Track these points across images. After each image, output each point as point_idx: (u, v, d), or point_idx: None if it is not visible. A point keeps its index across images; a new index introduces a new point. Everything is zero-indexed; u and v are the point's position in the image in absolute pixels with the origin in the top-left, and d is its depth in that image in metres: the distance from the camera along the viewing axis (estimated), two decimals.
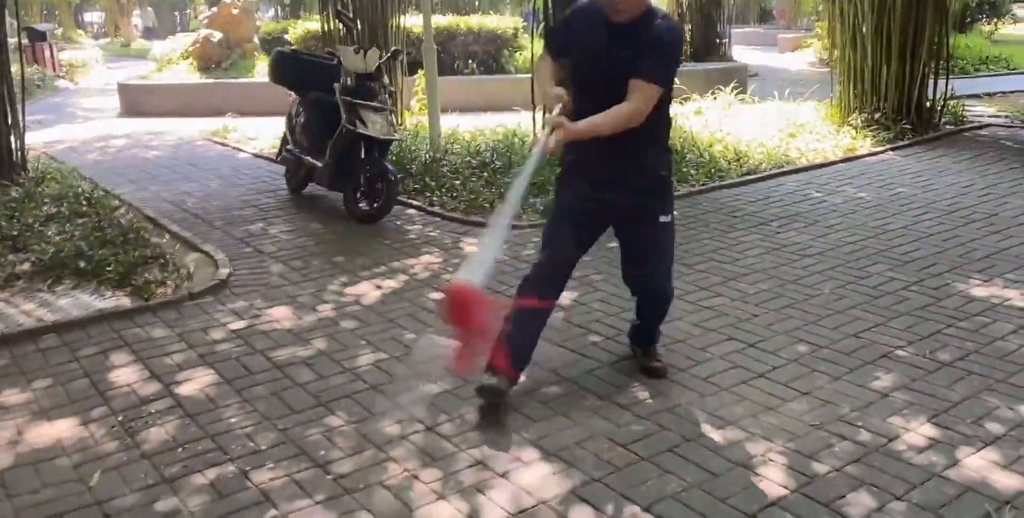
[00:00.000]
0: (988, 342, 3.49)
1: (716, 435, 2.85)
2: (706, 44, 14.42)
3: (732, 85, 9.85)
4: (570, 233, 3.15)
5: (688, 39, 14.20)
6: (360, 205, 5.55)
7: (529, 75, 7.47)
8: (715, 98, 9.43)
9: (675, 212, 3.21)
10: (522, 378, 3.17)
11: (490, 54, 12.70)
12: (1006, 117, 8.68)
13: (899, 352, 3.43)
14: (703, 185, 6.18)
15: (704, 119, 8.27)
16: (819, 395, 3.09)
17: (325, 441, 2.88)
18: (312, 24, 12.64)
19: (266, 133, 8.53)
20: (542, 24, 7.52)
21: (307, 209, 5.97)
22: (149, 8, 38.22)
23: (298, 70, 5.98)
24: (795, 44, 18.92)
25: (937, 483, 2.54)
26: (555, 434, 2.88)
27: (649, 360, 3.34)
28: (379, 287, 4.36)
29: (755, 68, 14.31)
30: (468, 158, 6.70)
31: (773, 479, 2.59)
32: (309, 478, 2.66)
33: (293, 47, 10.40)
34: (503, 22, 13.49)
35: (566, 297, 4.12)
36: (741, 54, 16.09)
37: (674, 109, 7.74)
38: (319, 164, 5.69)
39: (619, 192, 3.04)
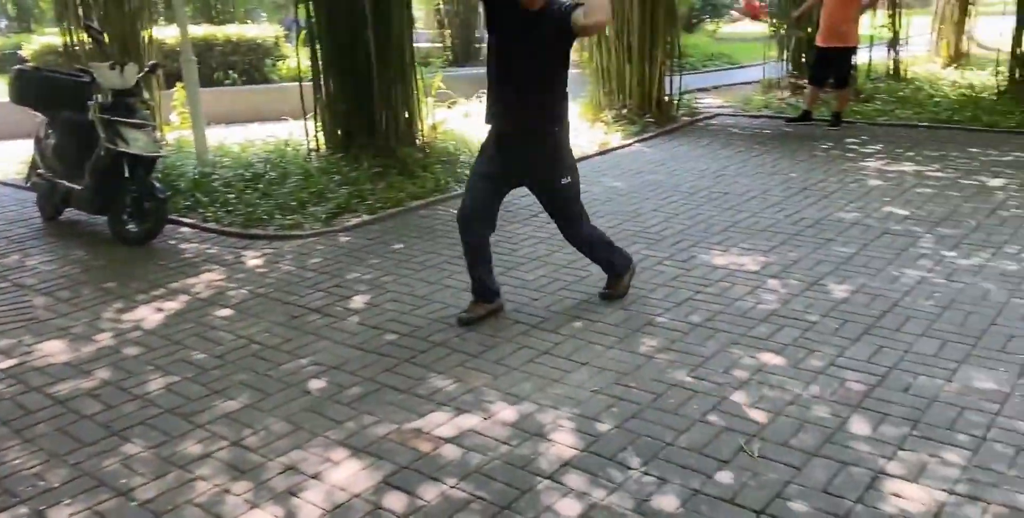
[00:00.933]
0: (730, 303, 4.02)
1: (510, 411, 3.09)
2: (466, 50, 14.92)
3: None
4: None
5: (448, 45, 14.63)
6: (128, 227, 5.30)
7: (295, 84, 7.43)
8: (480, 101, 9.82)
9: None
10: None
11: (251, 64, 12.38)
12: (731, 107, 9.79)
13: (659, 319, 3.86)
14: None
15: (473, 121, 8.61)
16: (596, 364, 3.44)
17: (124, 469, 2.80)
18: (50, 38, 11.67)
19: (8, 157, 7.84)
20: (303, 31, 7.49)
21: (67, 236, 5.60)
22: None
23: (44, 88, 5.58)
24: None
25: (700, 427, 2.94)
26: (362, 432, 2.99)
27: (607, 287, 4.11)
28: (160, 310, 4.23)
29: None
30: (240, 171, 6.57)
31: (564, 442, 2.87)
32: (113, 507, 2.60)
33: (33, 64, 9.58)
34: (263, 31, 13.18)
35: (358, 300, 4.23)
36: None
37: (442, 113, 8.02)
38: (77, 187, 5.36)
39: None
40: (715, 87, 11.71)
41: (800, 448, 2.78)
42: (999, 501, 2.46)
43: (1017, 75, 9.02)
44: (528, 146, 3.67)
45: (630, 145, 7.85)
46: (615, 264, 4.11)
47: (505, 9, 3.49)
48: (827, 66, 8.22)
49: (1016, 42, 8.90)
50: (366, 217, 5.65)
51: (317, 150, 7.05)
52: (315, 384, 3.37)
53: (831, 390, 3.16)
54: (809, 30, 9.94)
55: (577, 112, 9.00)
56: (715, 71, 13.95)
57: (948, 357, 3.38)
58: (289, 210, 5.72)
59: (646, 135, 8.16)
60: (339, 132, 6.93)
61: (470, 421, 3.03)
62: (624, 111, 8.50)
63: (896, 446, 2.77)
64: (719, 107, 9.85)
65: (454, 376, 3.39)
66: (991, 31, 11.93)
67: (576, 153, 7.34)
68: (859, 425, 2.91)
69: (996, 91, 9.28)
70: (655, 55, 8.40)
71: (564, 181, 3.76)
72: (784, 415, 3.00)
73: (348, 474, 2.73)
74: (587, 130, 8.29)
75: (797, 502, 2.50)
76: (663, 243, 4.97)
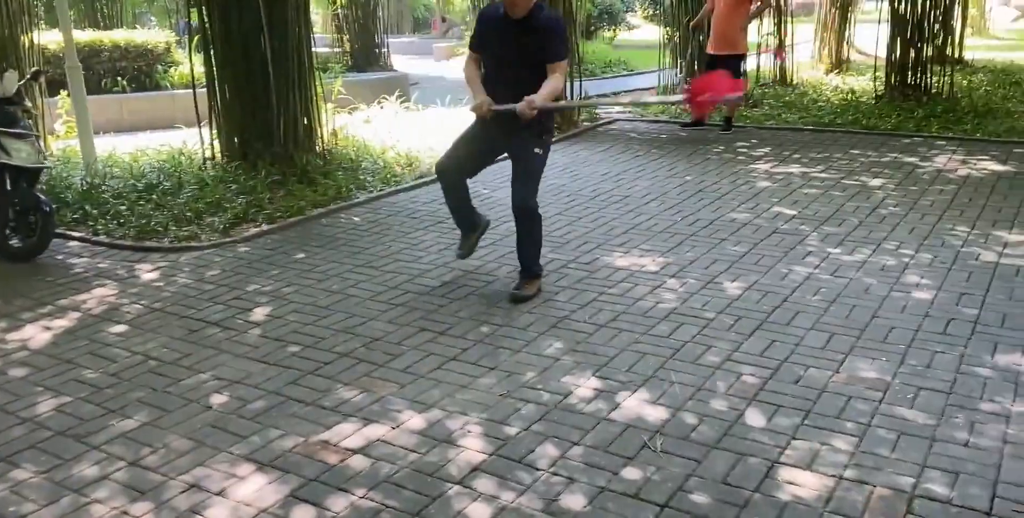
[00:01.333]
0: (632, 303, 4.13)
1: (418, 419, 3.09)
2: (366, 55, 14.79)
3: (396, 94, 10.27)
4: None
5: (348, 50, 14.47)
6: (12, 242, 5.04)
7: (188, 90, 7.22)
8: (382, 107, 9.78)
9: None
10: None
11: (141, 70, 11.94)
12: (629, 113, 10.03)
13: (565, 320, 3.94)
14: (380, 191, 6.45)
15: (374, 128, 8.57)
16: (504, 367, 3.48)
17: (14, 496, 2.67)
18: None
19: None
20: (197, 37, 7.28)
21: None
22: None
23: None
24: (450, 52, 19.99)
25: (604, 425, 3.01)
26: (267, 446, 2.94)
27: (515, 286, 4.32)
28: (48, 328, 4.04)
29: (415, 77, 14.95)
30: (132, 181, 6.34)
31: (472, 448, 2.89)
32: None
33: None
34: (153, 36, 12.73)
35: (259, 312, 4.15)
36: (400, 63, 16.68)
37: (343, 119, 7.92)
38: None
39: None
40: (614, 93, 11.98)
41: (700, 442, 2.89)
42: (883, 484, 2.62)
43: (893, 80, 9.56)
44: (516, 126, 4.12)
45: None
46: (532, 265, 4.36)
47: (492, 21, 4.13)
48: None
49: (891, 49, 9.44)
50: (265, 227, 5.54)
51: (213, 158, 6.87)
52: (217, 399, 3.29)
53: (728, 384, 3.29)
54: (701, 39, 10.31)
55: None
56: (613, 78, 14.26)
57: (835, 349, 3.57)
58: (185, 221, 5.56)
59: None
60: (235, 140, 6.77)
61: (378, 431, 3.02)
62: None
63: (789, 436, 2.91)
64: (618, 112, 10.06)
65: (360, 386, 3.37)
66: (869, 38, 12.58)
67: None
68: (755, 417, 3.04)
69: (875, 96, 9.81)
70: None
71: (536, 151, 4.31)
72: (685, 410, 3.10)
73: (254, 489, 2.68)
74: None
75: (698, 494, 2.59)
76: (568, 246, 5.05)
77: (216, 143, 6.89)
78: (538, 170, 4.34)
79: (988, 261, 4.57)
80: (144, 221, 5.52)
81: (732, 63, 8.47)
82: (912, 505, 2.51)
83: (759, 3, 8.42)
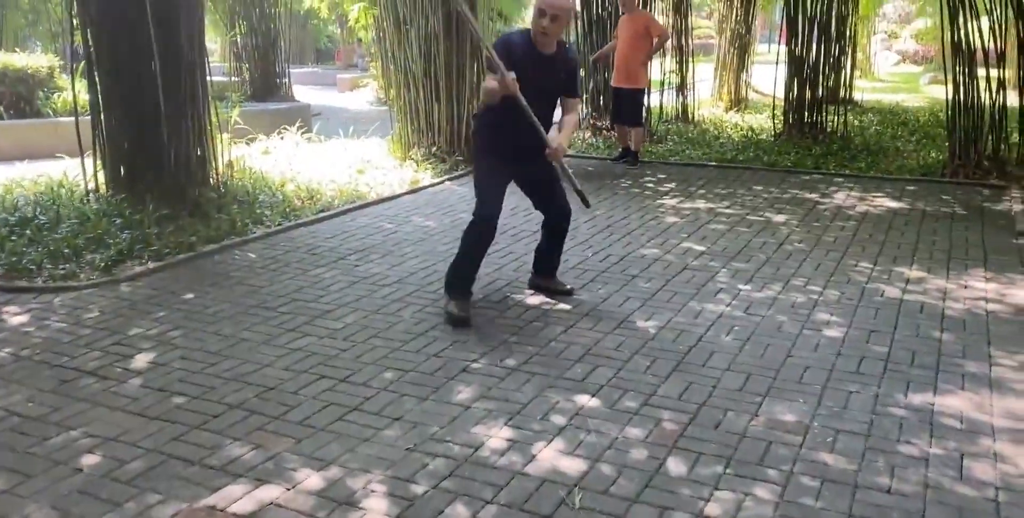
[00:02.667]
0: (544, 344, 3.97)
1: (316, 478, 2.83)
2: (266, 85, 14.39)
3: (297, 125, 9.96)
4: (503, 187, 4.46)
5: (248, 80, 14.06)
6: None
7: (72, 118, 6.75)
8: (282, 138, 9.45)
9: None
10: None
11: (21, 96, 11.20)
12: None
13: (474, 365, 3.73)
14: (279, 225, 6.14)
15: (273, 159, 8.24)
16: (409, 418, 3.24)
17: None
18: None
19: None
20: (83, 63, 6.82)
21: None
22: None
23: None
24: (353, 84, 19.73)
25: (519, 480, 2.81)
26: (145, 513, 2.61)
27: (559, 285, 4.73)
28: None
29: (317, 107, 14.61)
30: (3, 215, 5.84)
31: (376, 509, 2.64)
32: None
33: None
34: (35, 60, 12.00)
35: (140, 360, 3.80)
36: (302, 94, 16.32)
37: (240, 150, 7.56)
38: None
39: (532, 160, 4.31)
40: None
41: (621, 495, 2.72)
42: None
43: (791, 119, 9.86)
44: (539, 152, 4.23)
45: (440, 183, 7.78)
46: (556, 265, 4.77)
47: (521, 48, 4.14)
48: (620, 105, 8.68)
49: (789, 89, 9.74)
50: (152, 265, 5.15)
51: (96, 191, 6.41)
52: (88, 460, 2.93)
53: (647, 431, 3.15)
54: (607, 74, 10.43)
55: (385, 150, 8.85)
56: None
57: (752, 391, 3.48)
58: (62, 258, 5.12)
59: (456, 173, 8.12)
60: (122, 171, 6.35)
61: (271, 493, 2.74)
62: (434, 149, 8.43)
63: (712, 486, 2.77)
64: None
65: (252, 442, 3.07)
66: (764, 78, 13.04)
67: (386, 192, 7.27)
68: (676, 466, 2.90)
69: (774, 133, 10.09)
70: (462, 94, 8.42)
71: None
72: (603, 461, 2.93)
73: None
74: (396, 169, 8.14)
75: None
76: (477, 284, 4.85)
77: (100, 174, 6.45)
78: (559, 180, 4.56)
79: (893, 297, 4.63)
80: (15, 258, 5.05)
81: (632, 96, 8.66)
82: None
83: (658, 39, 8.57)
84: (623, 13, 8.78)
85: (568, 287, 4.69)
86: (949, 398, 3.41)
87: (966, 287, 4.80)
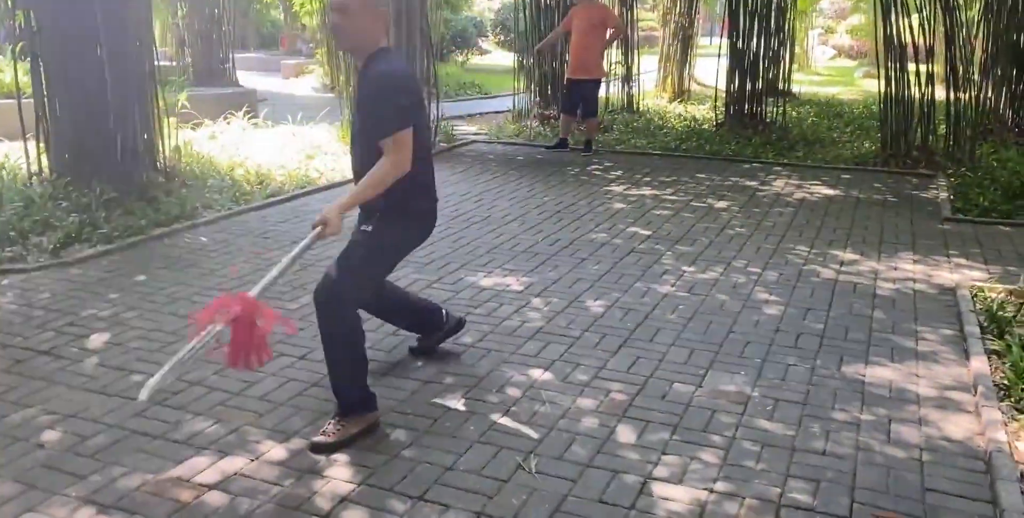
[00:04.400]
0: (499, 323, 4.09)
1: (280, 449, 2.90)
2: (209, 70, 14.15)
3: (244, 110, 9.87)
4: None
5: (191, 63, 13.82)
6: None
7: (9, 101, 6.61)
8: (228, 123, 9.36)
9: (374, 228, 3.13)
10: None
11: None
12: (485, 135, 10.10)
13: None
14: (229, 209, 6.13)
15: (220, 144, 8.18)
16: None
17: None
18: None
19: None
20: (20, 43, 6.67)
21: None
22: None
23: None
24: (298, 70, 19.48)
25: (478, 448, 2.93)
26: (110, 485, 2.66)
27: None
28: None
29: (263, 93, 14.44)
30: None
31: (340, 477, 2.73)
32: None
33: None
34: None
35: (95, 340, 3.80)
36: (246, 79, 16.08)
37: (187, 134, 7.48)
38: None
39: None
40: (469, 115, 12.04)
41: (574, 460, 2.86)
42: (752, 495, 2.67)
43: (732, 110, 10.13)
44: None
45: None
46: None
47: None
48: (576, 96, 8.80)
49: (730, 81, 10.01)
50: (101, 248, 5.12)
51: (40, 174, 6.31)
52: (49, 435, 2.96)
53: (597, 402, 3.29)
54: (555, 64, 10.57)
55: (335, 136, 8.84)
56: (468, 100, 14.34)
57: (697, 364, 3.66)
58: (8, 241, 5.05)
59: None
60: (66, 155, 6.25)
61: (235, 464, 2.81)
62: None
63: (660, 451, 2.93)
64: (474, 134, 10.11)
65: (214, 416, 3.13)
66: (706, 70, 13.31)
67: (336, 177, 7.30)
68: (625, 433, 3.05)
69: (715, 123, 10.36)
70: None
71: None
72: (557, 429, 3.07)
73: None
74: (346, 154, 8.14)
75: (576, 514, 2.55)
76: (431, 266, 4.96)
77: (43, 158, 6.34)
78: (354, 251, 3.14)
79: (828, 278, 4.86)
80: None
81: (590, 87, 8.80)
82: (780, 514, 2.57)
83: (613, 31, 8.73)
84: (574, 2, 8.90)
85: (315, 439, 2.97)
86: (879, 369, 3.63)
87: (895, 269, 5.06)
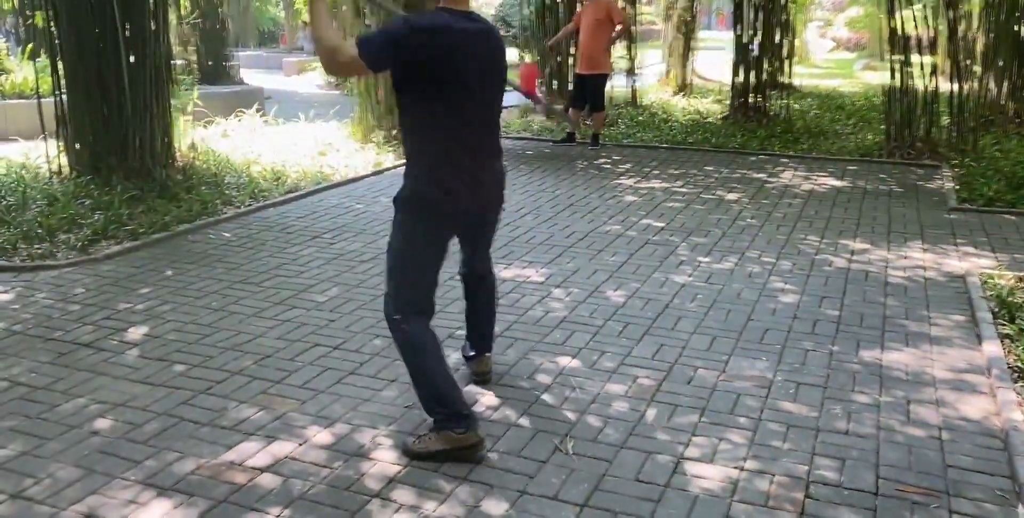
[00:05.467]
0: (523, 313, 4.20)
1: (325, 434, 3.02)
2: (215, 68, 14.25)
3: (254, 108, 9.97)
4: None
5: (195, 62, 13.90)
6: None
7: (20, 101, 6.71)
8: (239, 121, 9.45)
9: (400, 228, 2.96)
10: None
11: None
12: None
13: (459, 332, 3.90)
14: (248, 206, 6.24)
15: (233, 142, 8.27)
16: (404, 380, 3.38)
17: None
18: None
19: None
20: (30, 44, 6.77)
21: None
22: None
23: None
24: (300, 67, 19.58)
25: (515, 431, 3.05)
26: (166, 469, 2.78)
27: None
28: None
29: (268, 91, 14.53)
30: None
31: (386, 460, 2.85)
32: None
33: None
34: None
35: (133, 333, 3.92)
36: (249, 77, 16.18)
37: (200, 133, 7.58)
38: None
39: None
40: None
41: (608, 442, 2.98)
42: (781, 472, 2.80)
43: (736, 103, 10.24)
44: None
45: (403, 165, 7.91)
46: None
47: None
48: (583, 91, 8.92)
49: (735, 74, 10.11)
50: (128, 244, 5.22)
51: (59, 173, 6.42)
52: (102, 423, 3.07)
53: (626, 387, 3.41)
54: (558, 58, 10.67)
55: (347, 133, 8.94)
56: None
57: (719, 351, 3.78)
58: (36, 239, 5.16)
59: None
60: (87, 153, 6.35)
61: (284, 448, 2.92)
62: (395, 132, 8.55)
63: (690, 433, 3.05)
64: None
65: (258, 404, 3.24)
66: (711, 64, 13.44)
67: (350, 174, 7.39)
68: (655, 417, 3.17)
69: (720, 116, 10.46)
70: None
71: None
72: (589, 413, 3.19)
73: (159, 514, 2.53)
74: (358, 151, 8.26)
75: (614, 492, 2.67)
76: (450, 259, 5.03)
77: (63, 156, 6.45)
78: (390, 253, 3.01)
79: (840, 267, 4.98)
80: None
81: (596, 82, 8.92)
82: (809, 490, 2.70)
83: (620, 27, 8.83)
84: (584, 1, 9.01)
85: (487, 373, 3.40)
86: (895, 354, 3.75)
87: (905, 257, 5.18)
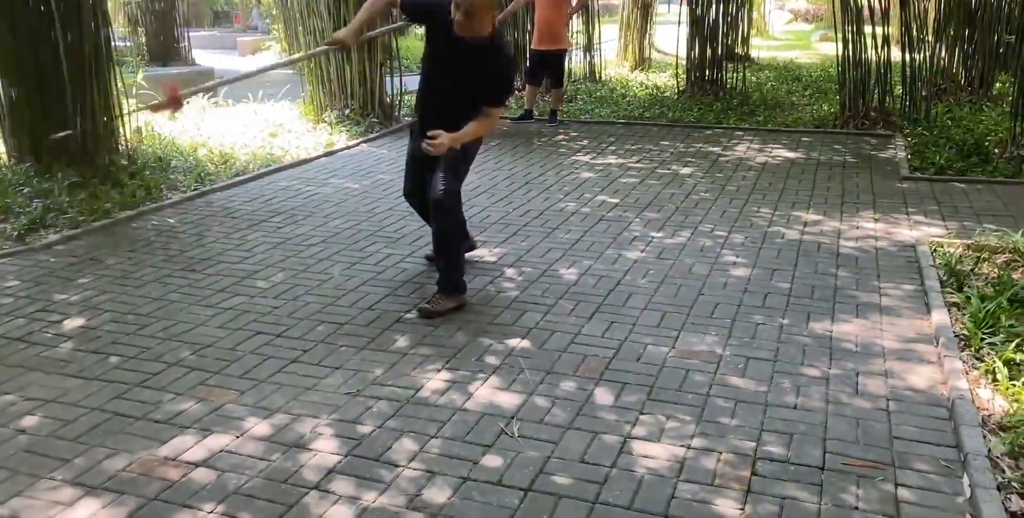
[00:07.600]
0: (474, 294, 4.12)
1: (264, 425, 2.93)
2: (165, 49, 13.90)
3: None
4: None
5: (144, 43, 13.55)
6: None
7: None
8: (188, 103, 9.19)
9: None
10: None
11: None
12: None
13: (408, 315, 3.87)
14: (194, 190, 6.07)
15: (181, 124, 8.06)
16: (350, 366, 3.36)
17: None
18: None
19: None
20: None
21: None
22: None
23: None
24: (254, 47, 19.17)
25: (461, 416, 2.99)
26: (96, 467, 2.68)
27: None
28: None
29: (220, 72, 14.20)
30: None
31: (326, 450, 2.77)
32: None
33: None
34: None
35: (68, 325, 3.79)
36: (202, 58, 15.81)
37: (145, 117, 7.37)
38: None
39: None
40: None
41: (555, 424, 2.93)
42: (728, 449, 2.77)
43: (693, 77, 10.18)
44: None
45: (356, 145, 7.78)
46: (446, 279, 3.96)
47: (439, 30, 3.84)
48: (542, 67, 8.79)
49: (691, 48, 10.05)
50: (68, 232, 5.06)
51: None
52: (29, 421, 2.96)
53: (575, 366, 3.36)
54: (516, 36, 10.51)
55: (297, 114, 8.75)
56: None
57: (669, 327, 3.74)
58: None
59: (371, 135, 8.13)
60: (26, 140, 6.13)
61: (220, 441, 2.83)
62: (347, 112, 8.40)
63: (637, 411, 3.01)
64: None
65: (195, 396, 3.15)
66: (666, 38, 13.34)
67: (301, 155, 7.24)
68: (603, 396, 3.12)
69: (677, 91, 10.41)
70: (374, 56, 8.38)
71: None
72: (537, 394, 3.13)
73: (87, 515, 2.43)
74: (310, 132, 8.09)
75: (559, 475, 2.63)
76: (402, 241, 4.98)
77: (1, 144, 6.22)
78: (457, 162, 4.00)
79: (792, 239, 4.97)
80: None
81: (556, 57, 8.80)
82: (756, 467, 2.67)
83: (577, 1, 8.70)
84: None
85: (426, 307, 3.91)
86: (845, 325, 3.74)
87: (857, 227, 5.18)
